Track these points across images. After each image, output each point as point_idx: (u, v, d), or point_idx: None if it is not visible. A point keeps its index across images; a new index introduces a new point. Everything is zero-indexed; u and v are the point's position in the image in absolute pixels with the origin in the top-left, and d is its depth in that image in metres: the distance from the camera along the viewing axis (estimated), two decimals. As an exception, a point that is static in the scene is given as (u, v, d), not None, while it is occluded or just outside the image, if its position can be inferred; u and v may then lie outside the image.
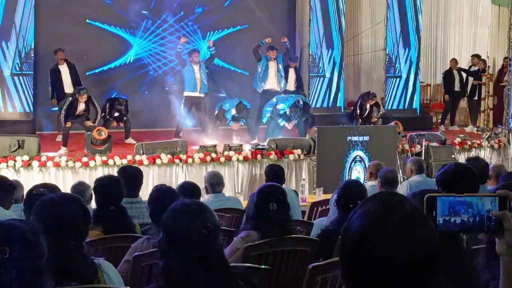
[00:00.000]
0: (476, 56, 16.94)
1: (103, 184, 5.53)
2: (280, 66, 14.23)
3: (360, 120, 14.27)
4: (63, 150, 11.69)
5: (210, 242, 2.93)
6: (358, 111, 14.34)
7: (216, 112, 13.34)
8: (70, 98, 12.29)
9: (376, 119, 14.29)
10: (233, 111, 13.07)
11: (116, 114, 13.28)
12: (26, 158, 10.36)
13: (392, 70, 16.58)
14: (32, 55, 13.71)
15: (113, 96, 13.61)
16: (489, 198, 1.89)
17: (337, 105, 16.62)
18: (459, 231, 1.94)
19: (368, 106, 14.33)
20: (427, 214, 1.83)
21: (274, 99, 13.30)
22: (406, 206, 1.73)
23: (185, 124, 13.43)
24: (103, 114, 13.16)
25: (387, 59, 16.57)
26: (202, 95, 13.43)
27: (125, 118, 13.36)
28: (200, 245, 2.89)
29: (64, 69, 13.66)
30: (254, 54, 14.11)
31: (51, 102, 13.74)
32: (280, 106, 13.11)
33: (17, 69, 13.53)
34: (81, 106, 12.30)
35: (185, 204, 3.07)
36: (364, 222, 1.73)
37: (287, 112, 13.05)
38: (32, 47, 13.67)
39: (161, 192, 5.11)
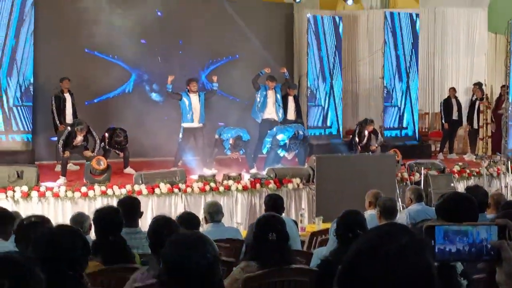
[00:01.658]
0: (477, 85, 16.98)
1: (102, 214, 5.53)
2: (279, 96, 14.29)
3: (359, 148, 14.29)
4: (61, 180, 11.68)
5: (210, 273, 2.92)
6: (357, 139, 14.37)
7: (216, 137, 13.35)
8: (69, 129, 12.30)
9: (375, 148, 14.31)
10: (231, 141, 13.08)
11: (116, 144, 13.30)
12: (25, 188, 10.35)
13: (390, 98, 16.62)
14: (31, 89, 13.76)
15: (112, 127, 13.60)
16: (484, 227, 1.90)
17: (336, 133, 16.65)
18: (455, 261, 1.94)
19: (366, 133, 14.36)
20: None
21: (274, 129, 13.33)
22: (402, 238, 1.73)
23: (184, 154, 13.43)
24: (103, 144, 13.21)
25: (385, 87, 16.63)
26: (201, 125, 13.44)
27: (124, 147, 13.39)
28: (200, 276, 2.88)
29: (67, 98, 13.78)
30: (253, 84, 14.16)
31: (59, 128, 13.64)
32: (279, 137, 13.14)
33: (17, 101, 13.58)
34: (79, 137, 12.32)
35: (185, 235, 3.07)
36: (357, 247, 1.74)
37: (287, 143, 13.08)
38: (31, 81, 13.73)
39: (160, 223, 5.09)
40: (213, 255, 2.96)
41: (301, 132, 13.31)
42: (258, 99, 14.20)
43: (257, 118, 14.27)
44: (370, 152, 13.90)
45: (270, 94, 14.18)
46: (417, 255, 1.73)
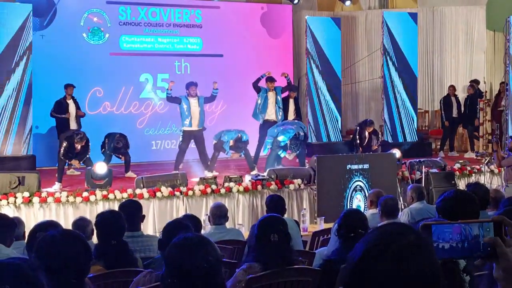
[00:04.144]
0: (473, 81, 17.02)
1: (104, 219, 5.53)
2: (279, 98, 14.31)
3: (360, 149, 14.31)
4: (57, 185, 11.66)
5: (213, 275, 2.93)
6: (358, 140, 14.40)
7: (215, 142, 13.36)
8: (65, 143, 12.26)
9: (376, 147, 14.34)
10: (231, 143, 13.09)
11: (114, 148, 13.34)
12: (26, 194, 10.36)
13: (389, 98, 16.63)
14: (32, 94, 13.79)
15: (111, 132, 13.63)
16: (476, 224, 1.91)
17: (336, 133, 16.68)
18: (450, 258, 1.95)
19: (366, 134, 14.38)
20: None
21: (275, 130, 13.33)
22: (409, 236, 1.74)
23: (184, 157, 13.46)
24: (103, 149, 13.27)
25: (384, 87, 16.64)
26: (200, 128, 13.45)
27: (124, 153, 13.42)
28: (202, 278, 2.89)
29: (70, 104, 13.86)
30: (254, 87, 14.17)
31: (66, 115, 13.73)
32: (280, 138, 13.14)
33: (16, 105, 13.60)
34: (79, 147, 12.32)
35: (187, 238, 3.06)
36: (365, 247, 1.75)
37: (288, 144, 13.09)
38: (32, 86, 13.76)
39: (175, 225, 5.10)
40: (215, 257, 2.97)
41: (301, 133, 13.32)
42: (259, 101, 14.21)
43: (257, 119, 14.29)
44: (371, 152, 13.92)
45: (271, 95, 14.19)
46: (424, 253, 1.74)
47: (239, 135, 13.11)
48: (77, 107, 14.08)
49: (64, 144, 12.18)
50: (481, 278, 2.91)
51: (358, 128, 14.73)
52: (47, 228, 4.94)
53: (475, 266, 1.99)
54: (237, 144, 13.04)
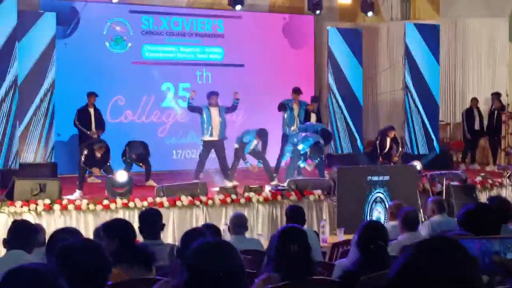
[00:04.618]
0: (495, 94, 16.93)
1: (118, 223, 5.58)
2: (302, 111, 14.40)
3: (381, 158, 14.30)
4: (77, 193, 11.74)
5: (237, 281, 2.82)
6: (379, 150, 14.41)
7: (236, 146, 13.40)
8: (87, 150, 12.35)
9: (396, 158, 14.33)
10: (254, 143, 13.14)
11: (135, 157, 13.41)
12: (47, 201, 10.41)
13: (411, 109, 16.57)
14: (52, 97, 13.90)
15: (132, 140, 13.71)
16: (497, 240, 1.90)
17: (357, 144, 16.66)
18: None
19: (388, 141, 14.41)
20: None
21: (295, 139, 13.34)
22: (457, 254, 1.72)
23: (205, 166, 13.49)
24: (124, 158, 13.35)
25: (405, 99, 16.59)
26: (221, 138, 13.48)
27: (144, 160, 13.49)
28: (227, 284, 2.78)
29: (92, 112, 14.04)
30: (279, 110, 14.26)
31: (90, 134, 13.85)
32: (300, 147, 13.14)
33: (41, 113, 13.73)
34: (98, 155, 12.39)
35: (214, 242, 2.95)
36: (411, 252, 1.73)
37: (308, 153, 13.08)
38: (53, 93, 13.88)
39: (193, 234, 5.10)
40: (239, 263, 2.88)
41: (321, 142, 13.31)
42: (286, 115, 14.35)
43: (286, 132, 14.37)
44: (391, 163, 13.89)
45: (295, 107, 14.31)
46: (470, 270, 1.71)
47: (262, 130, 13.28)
48: (99, 116, 14.17)
49: (85, 152, 12.25)
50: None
51: (379, 136, 14.76)
52: (67, 235, 4.96)
53: (498, 281, 1.97)
54: (261, 139, 13.20)
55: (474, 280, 1.71)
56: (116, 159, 13.19)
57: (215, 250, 2.85)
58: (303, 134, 13.46)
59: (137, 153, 13.42)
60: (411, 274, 1.69)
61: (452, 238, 1.82)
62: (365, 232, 5.17)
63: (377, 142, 14.71)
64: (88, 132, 13.85)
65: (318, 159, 13.23)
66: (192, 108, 13.58)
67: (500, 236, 1.92)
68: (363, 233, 5.17)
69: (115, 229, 5.40)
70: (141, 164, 13.54)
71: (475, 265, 1.75)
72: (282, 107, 14.39)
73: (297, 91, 14.50)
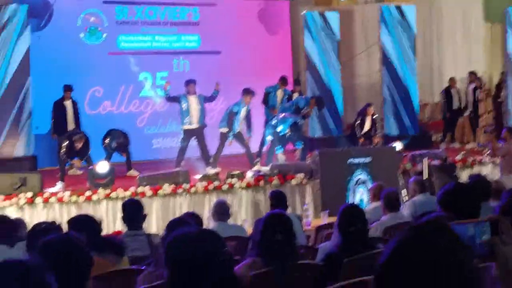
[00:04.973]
0: (472, 73, 17.02)
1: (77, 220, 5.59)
2: (285, 99, 14.44)
3: (362, 140, 14.43)
4: (60, 184, 11.68)
5: (227, 268, 2.76)
6: (360, 130, 14.57)
7: (222, 131, 13.42)
8: (67, 142, 12.29)
9: (378, 139, 14.45)
10: (243, 113, 13.18)
11: (116, 145, 13.38)
12: (29, 195, 10.37)
13: (389, 91, 16.64)
14: (32, 94, 13.81)
15: (111, 129, 13.67)
16: (471, 223, 1.90)
17: (336, 128, 16.71)
18: None
19: (368, 120, 14.56)
20: None
21: (274, 121, 13.37)
22: (444, 237, 1.71)
23: (185, 154, 13.47)
24: (104, 146, 13.31)
25: (383, 81, 16.64)
26: (200, 125, 13.45)
27: (125, 149, 13.47)
28: (216, 272, 2.69)
29: (68, 106, 13.88)
30: (264, 102, 14.41)
31: (51, 136, 13.85)
32: (279, 129, 13.17)
33: (16, 107, 13.64)
34: (78, 147, 12.35)
35: (198, 230, 2.88)
36: (397, 244, 1.72)
37: (287, 133, 13.13)
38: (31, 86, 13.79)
39: (178, 223, 5.10)
40: (221, 251, 2.75)
41: (300, 122, 13.39)
42: (269, 100, 14.55)
43: (268, 118, 14.41)
44: (372, 145, 13.97)
45: (279, 92, 14.48)
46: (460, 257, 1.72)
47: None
48: (75, 108, 14.09)
49: (65, 143, 12.19)
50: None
51: (359, 116, 14.91)
52: (47, 229, 4.96)
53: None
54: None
55: (468, 267, 1.70)
56: (96, 150, 13.12)
57: (195, 239, 2.76)
58: (281, 115, 13.47)
59: (118, 141, 13.39)
60: (402, 261, 1.68)
61: (443, 223, 1.81)
62: (343, 217, 5.22)
63: (358, 122, 14.81)
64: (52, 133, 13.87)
65: (300, 143, 13.29)
66: (170, 99, 13.56)
67: (472, 220, 1.92)
68: (341, 217, 5.22)
69: (80, 223, 5.40)
70: (122, 153, 13.50)
71: (468, 251, 1.74)
72: (266, 96, 14.43)
73: (284, 81, 14.56)
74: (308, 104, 13.47)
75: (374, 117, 14.99)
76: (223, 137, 13.48)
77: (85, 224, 5.34)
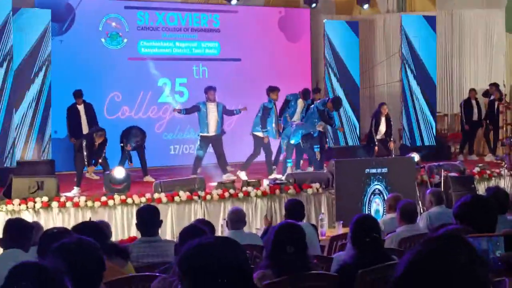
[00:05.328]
0: (493, 85, 16.90)
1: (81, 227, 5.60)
2: (305, 108, 14.23)
3: (376, 147, 14.55)
4: (75, 190, 11.74)
5: (247, 278, 2.59)
6: (374, 131, 14.73)
7: (258, 122, 13.47)
8: (85, 142, 12.33)
9: (393, 144, 14.62)
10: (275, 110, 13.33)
11: (133, 144, 13.41)
12: (45, 199, 10.40)
13: (408, 101, 16.57)
14: (51, 98, 13.88)
15: (129, 126, 13.72)
16: (485, 238, 1.87)
17: (354, 137, 16.66)
18: None
19: (383, 119, 14.73)
20: None
21: (289, 132, 13.36)
22: (462, 254, 1.69)
23: (202, 161, 13.46)
24: (121, 145, 13.37)
25: (402, 91, 16.58)
26: (217, 134, 13.44)
27: (141, 147, 13.48)
28: (238, 281, 2.53)
29: (81, 110, 13.96)
30: (283, 111, 14.12)
31: (70, 140, 13.91)
32: (292, 142, 13.25)
33: (37, 111, 13.71)
34: (96, 145, 12.40)
35: (218, 239, 2.73)
36: (414, 258, 1.70)
37: (301, 144, 13.18)
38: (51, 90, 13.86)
39: (192, 231, 5.09)
40: (245, 258, 2.62)
41: (314, 132, 13.39)
42: (288, 110, 14.31)
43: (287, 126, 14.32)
44: (388, 152, 14.02)
45: (300, 102, 14.19)
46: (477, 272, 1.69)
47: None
48: (90, 112, 14.09)
49: (84, 142, 12.22)
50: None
51: (373, 117, 15.07)
52: (59, 234, 4.96)
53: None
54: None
55: (484, 280, 1.68)
56: (113, 155, 13.17)
57: (222, 244, 2.61)
58: (295, 125, 13.43)
59: (137, 140, 13.43)
60: (420, 274, 1.66)
61: (460, 236, 1.78)
62: (356, 227, 5.15)
63: (372, 122, 14.95)
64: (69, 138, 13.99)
65: (317, 148, 13.31)
66: (189, 111, 13.53)
67: (486, 234, 1.89)
68: (354, 228, 5.15)
69: (84, 230, 5.39)
70: (138, 151, 13.50)
71: (485, 265, 1.71)
72: (286, 104, 14.22)
73: (306, 94, 14.33)
74: (325, 107, 13.41)
75: (387, 117, 15.07)
76: (259, 141, 13.40)
77: (90, 230, 5.33)
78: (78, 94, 13.92)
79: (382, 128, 15.18)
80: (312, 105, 13.82)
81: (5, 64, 12.92)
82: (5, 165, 12.78)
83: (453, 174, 12.62)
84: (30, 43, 13.67)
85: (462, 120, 16.97)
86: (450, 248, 1.69)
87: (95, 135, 12.32)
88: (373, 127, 15.15)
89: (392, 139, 15.13)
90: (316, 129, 13.47)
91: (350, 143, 16.59)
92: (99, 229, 5.49)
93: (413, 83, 16.57)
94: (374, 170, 11.58)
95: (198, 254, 2.54)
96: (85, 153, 12.15)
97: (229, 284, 2.48)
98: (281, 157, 13.92)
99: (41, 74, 13.73)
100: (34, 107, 13.70)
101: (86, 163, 12.22)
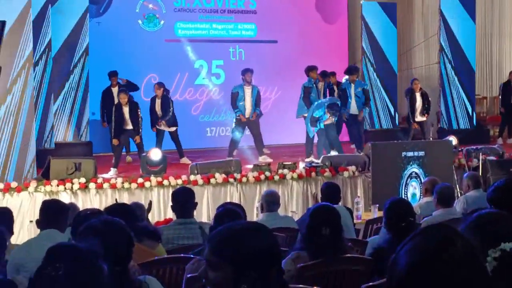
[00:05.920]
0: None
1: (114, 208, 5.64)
2: (325, 88, 14.08)
3: (414, 124, 14.49)
4: (112, 171, 11.86)
5: (277, 260, 2.61)
6: (410, 109, 14.73)
7: (302, 104, 13.49)
8: (113, 109, 12.49)
9: (426, 117, 14.78)
10: (327, 112, 13.05)
11: (161, 113, 13.41)
12: (83, 180, 10.49)
13: (445, 84, 16.39)
14: (87, 78, 14.00)
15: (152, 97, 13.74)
16: None
17: (391, 120, 16.53)
18: None
19: (418, 96, 14.93)
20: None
21: (310, 111, 13.22)
22: (457, 245, 1.68)
23: (239, 143, 13.47)
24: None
25: (440, 73, 16.39)
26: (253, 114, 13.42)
27: (173, 120, 13.52)
28: (272, 265, 2.55)
29: (115, 92, 13.93)
30: (306, 103, 13.89)
31: (102, 125, 14.02)
32: (316, 113, 13.05)
33: (77, 94, 13.85)
34: (126, 112, 12.44)
35: (249, 223, 2.82)
36: (411, 260, 1.69)
37: (326, 113, 12.96)
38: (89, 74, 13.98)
39: (226, 213, 5.13)
40: (275, 242, 2.64)
41: (338, 102, 13.27)
42: (313, 94, 14.10)
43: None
44: (424, 131, 14.00)
45: (320, 85, 13.94)
46: (474, 261, 1.68)
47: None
48: (126, 93, 13.87)
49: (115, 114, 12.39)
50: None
51: (407, 95, 15.06)
52: (92, 215, 5.01)
53: None
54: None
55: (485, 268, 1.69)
56: (148, 139, 13.22)
57: (256, 229, 2.63)
58: (316, 103, 13.32)
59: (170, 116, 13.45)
60: (422, 276, 1.67)
61: (451, 231, 1.76)
62: (392, 212, 5.12)
63: (407, 100, 14.88)
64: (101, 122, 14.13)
65: (336, 115, 13.24)
66: (233, 104, 13.48)
67: None
68: (389, 213, 5.12)
69: (115, 211, 5.43)
70: (167, 121, 13.47)
71: (478, 252, 1.73)
72: (308, 91, 14.03)
73: (325, 74, 14.22)
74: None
75: (423, 94, 14.94)
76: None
77: (121, 211, 5.37)
78: (112, 74, 14.00)
79: (419, 104, 14.99)
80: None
81: (46, 51, 13.07)
82: (43, 147, 12.92)
83: (491, 157, 12.45)
84: (69, 26, 13.78)
85: (501, 103, 16.73)
86: (445, 243, 1.70)
87: (120, 98, 12.49)
88: (408, 105, 15.02)
89: (429, 113, 15.01)
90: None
91: (387, 125, 16.47)
92: (130, 211, 5.55)
93: (451, 65, 16.36)
94: (411, 153, 11.47)
95: (240, 239, 2.54)
96: (112, 125, 12.28)
97: (259, 269, 2.49)
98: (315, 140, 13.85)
99: (81, 60, 13.91)
100: (76, 90, 13.85)
101: (112, 134, 12.42)
